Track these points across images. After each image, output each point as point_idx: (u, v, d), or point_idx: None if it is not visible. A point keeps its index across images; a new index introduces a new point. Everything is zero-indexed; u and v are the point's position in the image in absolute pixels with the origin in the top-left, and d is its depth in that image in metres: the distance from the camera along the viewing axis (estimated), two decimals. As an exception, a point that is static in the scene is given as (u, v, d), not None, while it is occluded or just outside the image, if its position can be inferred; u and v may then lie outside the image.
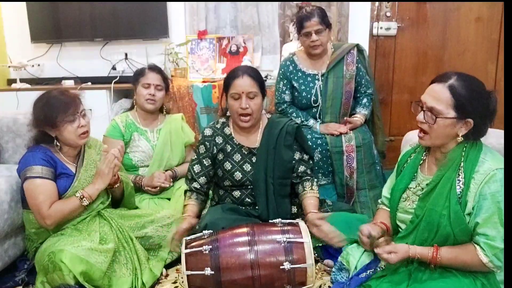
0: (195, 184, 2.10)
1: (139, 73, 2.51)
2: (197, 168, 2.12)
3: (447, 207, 1.48)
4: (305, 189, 2.06)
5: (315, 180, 2.13)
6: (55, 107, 1.83)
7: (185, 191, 2.15)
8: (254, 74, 2.05)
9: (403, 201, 1.66)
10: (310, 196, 2.03)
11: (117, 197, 2.09)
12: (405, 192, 1.66)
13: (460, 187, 1.48)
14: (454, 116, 1.47)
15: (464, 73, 1.51)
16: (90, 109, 1.95)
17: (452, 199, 1.47)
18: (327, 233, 1.83)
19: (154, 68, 2.53)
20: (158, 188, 2.36)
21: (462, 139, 1.50)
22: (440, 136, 1.51)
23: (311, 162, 2.18)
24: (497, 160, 1.48)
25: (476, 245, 1.46)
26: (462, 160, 1.50)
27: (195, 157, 2.15)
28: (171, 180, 2.42)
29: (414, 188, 1.64)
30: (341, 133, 2.52)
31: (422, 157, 1.67)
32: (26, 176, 1.83)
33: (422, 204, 1.56)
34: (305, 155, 2.15)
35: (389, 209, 1.74)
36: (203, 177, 2.11)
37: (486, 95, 1.48)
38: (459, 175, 1.50)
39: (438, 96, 1.49)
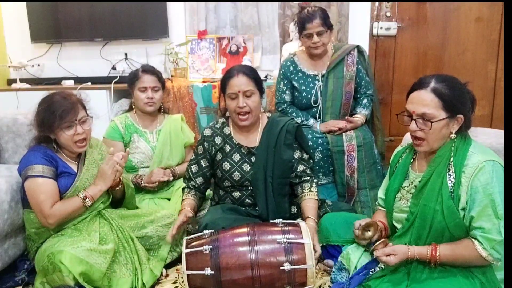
0: (193, 183, 2.14)
1: (134, 77, 2.47)
2: (194, 168, 2.14)
3: (440, 202, 1.49)
4: (304, 191, 2.06)
5: (315, 180, 2.12)
6: (53, 113, 1.81)
7: (183, 188, 2.17)
8: (250, 72, 2.04)
9: (398, 201, 1.67)
10: (309, 198, 2.03)
11: (117, 198, 2.09)
12: (399, 191, 1.67)
13: (452, 181, 1.49)
14: (445, 116, 1.49)
15: (440, 74, 1.55)
16: (92, 116, 1.93)
17: (444, 194, 1.49)
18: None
19: (147, 70, 2.48)
20: (157, 183, 2.33)
21: (455, 136, 1.52)
22: (437, 139, 1.53)
23: (311, 161, 2.18)
24: (485, 153, 1.49)
25: (473, 240, 1.46)
26: (451, 155, 1.51)
27: (194, 157, 2.17)
28: (171, 175, 2.40)
29: (407, 187, 1.65)
30: (340, 129, 2.51)
31: (413, 156, 1.68)
32: (28, 175, 1.82)
33: (415, 201, 1.57)
34: (305, 154, 2.14)
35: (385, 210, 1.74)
36: (200, 177, 2.13)
37: (465, 88, 1.53)
38: (449, 169, 1.51)
39: (425, 101, 1.50)
